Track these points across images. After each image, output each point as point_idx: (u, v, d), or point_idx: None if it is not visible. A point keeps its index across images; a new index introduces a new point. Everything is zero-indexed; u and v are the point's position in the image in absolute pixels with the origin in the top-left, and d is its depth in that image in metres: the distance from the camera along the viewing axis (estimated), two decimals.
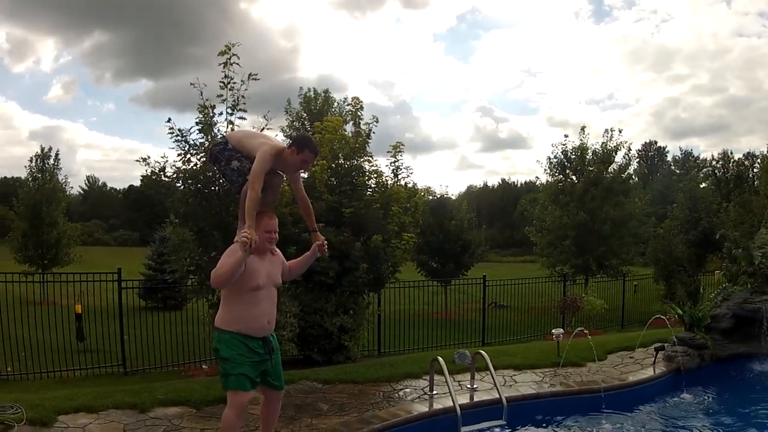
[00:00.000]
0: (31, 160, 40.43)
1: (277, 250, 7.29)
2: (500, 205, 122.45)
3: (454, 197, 47.15)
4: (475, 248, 39.72)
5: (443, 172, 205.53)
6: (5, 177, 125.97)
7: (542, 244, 38.21)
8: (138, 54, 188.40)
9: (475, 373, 10.75)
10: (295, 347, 15.20)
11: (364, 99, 18.89)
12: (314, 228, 7.69)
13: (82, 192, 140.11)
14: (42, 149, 41.14)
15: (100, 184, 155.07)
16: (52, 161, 40.99)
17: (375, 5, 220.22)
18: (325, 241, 7.39)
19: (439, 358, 9.52)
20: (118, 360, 17.63)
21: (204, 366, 17.37)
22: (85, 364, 17.37)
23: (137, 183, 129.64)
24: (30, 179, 40.54)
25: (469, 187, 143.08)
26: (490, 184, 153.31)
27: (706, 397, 11.60)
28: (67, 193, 47.29)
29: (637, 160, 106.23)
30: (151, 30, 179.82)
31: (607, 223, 34.95)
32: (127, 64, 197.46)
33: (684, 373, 11.98)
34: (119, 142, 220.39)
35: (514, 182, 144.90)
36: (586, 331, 12.93)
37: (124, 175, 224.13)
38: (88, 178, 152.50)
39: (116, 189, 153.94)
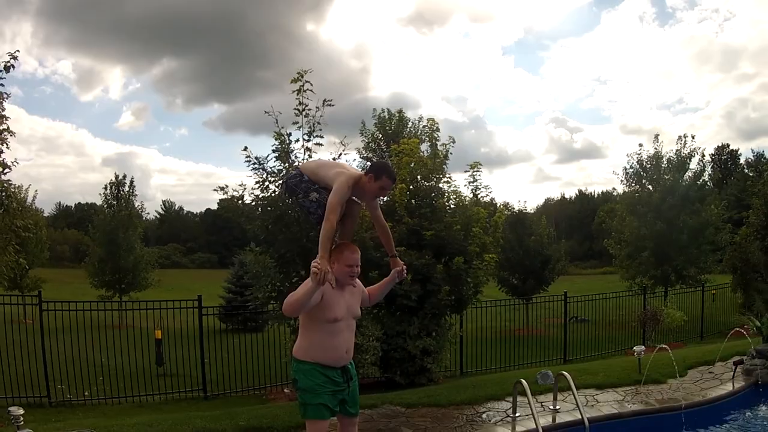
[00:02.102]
0: (105, 188, 41.39)
1: (357, 280, 7.16)
2: (578, 216, 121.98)
3: (531, 211, 47.28)
4: (555, 263, 39.82)
5: (520, 186, 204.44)
6: (80, 203, 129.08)
7: (621, 256, 38.16)
8: (208, 79, 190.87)
9: (558, 393, 10.80)
10: (377, 370, 15.22)
11: (438, 115, 19.20)
12: (393, 253, 7.61)
13: (158, 216, 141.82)
14: (116, 176, 42.00)
15: (176, 208, 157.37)
16: (127, 188, 41.81)
17: (442, 20, 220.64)
18: (405, 267, 7.48)
19: (523, 380, 9.39)
20: (198, 384, 17.91)
21: (286, 390, 17.51)
22: (165, 388, 17.73)
23: (214, 206, 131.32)
24: (105, 206, 41.42)
25: (547, 200, 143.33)
26: (567, 195, 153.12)
27: None
28: (144, 218, 48.08)
29: (711, 165, 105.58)
30: (219, 55, 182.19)
31: (684, 232, 34.87)
32: (197, 89, 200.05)
33: (762, 387, 11.99)
34: (194, 167, 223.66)
35: (591, 193, 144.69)
36: (667, 347, 12.99)
37: (200, 199, 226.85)
38: (164, 202, 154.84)
39: (193, 212, 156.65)
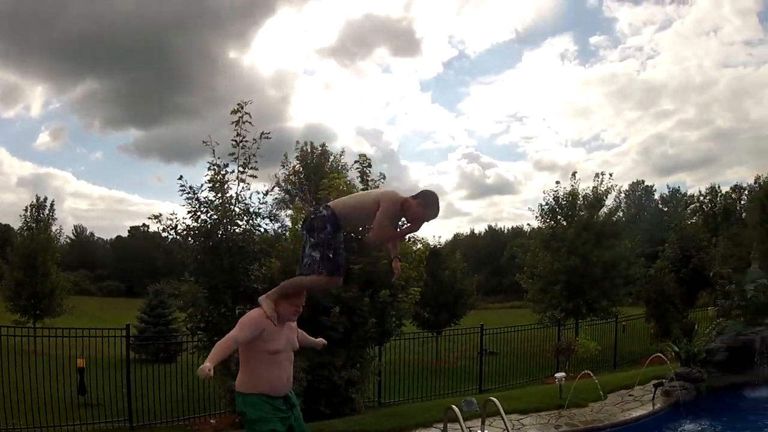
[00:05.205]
0: (26, 210, 40.94)
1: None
2: (487, 251, 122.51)
3: (441, 246, 47.61)
4: (467, 297, 40.21)
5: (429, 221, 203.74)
6: None
7: (533, 290, 38.57)
8: (128, 102, 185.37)
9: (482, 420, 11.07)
10: (302, 402, 15.26)
11: (352, 148, 19.22)
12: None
13: (68, 241, 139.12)
14: (37, 199, 41.62)
15: (87, 233, 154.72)
16: (47, 211, 41.47)
17: (364, 54, 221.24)
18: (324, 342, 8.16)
19: (454, 406, 9.62)
20: (124, 414, 17.60)
21: (212, 420, 17.53)
22: (91, 419, 17.43)
23: (124, 234, 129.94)
24: (25, 228, 40.99)
25: (456, 235, 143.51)
26: (476, 231, 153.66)
27: (705, 427, 12.16)
28: (59, 242, 47.63)
29: (625, 200, 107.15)
30: (141, 78, 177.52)
31: (598, 267, 35.47)
32: (116, 112, 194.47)
33: (683, 406, 12.49)
34: (107, 192, 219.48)
35: (501, 228, 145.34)
36: (590, 373, 13.45)
37: (111, 225, 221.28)
38: (75, 227, 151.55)
39: (103, 239, 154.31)
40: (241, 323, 7.00)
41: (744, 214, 78.37)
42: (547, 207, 38.85)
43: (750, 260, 26.68)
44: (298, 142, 45.17)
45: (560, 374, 13.80)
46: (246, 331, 6.87)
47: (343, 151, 46.88)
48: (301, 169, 42.26)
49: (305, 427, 7.56)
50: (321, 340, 8.25)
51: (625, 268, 36.56)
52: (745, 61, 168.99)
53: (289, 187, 42.55)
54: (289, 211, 16.93)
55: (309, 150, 43.80)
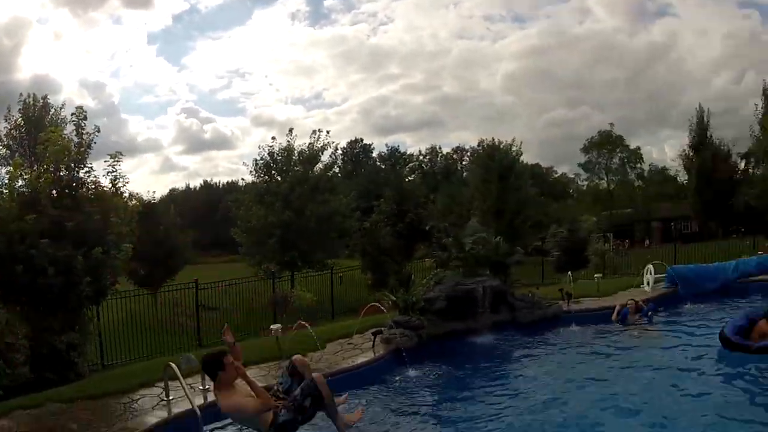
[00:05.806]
0: None
1: None
2: (203, 207, 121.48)
3: (155, 201, 47.24)
4: (182, 252, 40.08)
5: (145, 176, 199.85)
6: None
7: (248, 243, 39.09)
8: None
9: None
10: (29, 370, 14.67)
11: (75, 101, 18.68)
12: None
13: None
14: None
15: None
16: None
17: (98, 3, 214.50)
18: None
19: (172, 364, 9.80)
20: None
21: None
22: None
23: None
24: None
25: (172, 190, 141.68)
26: (192, 186, 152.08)
27: (427, 370, 12.89)
28: None
29: (342, 157, 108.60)
30: None
31: (312, 220, 36.09)
32: None
33: (405, 352, 13.05)
34: None
35: (216, 183, 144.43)
36: (305, 323, 13.73)
37: None
38: None
39: None
40: None
41: (465, 173, 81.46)
42: (261, 162, 39.39)
43: (470, 216, 27.73)
44: (21, 94, 43.62)
45: (276, 326, 14.12)
46: None
47: (64, 104, 45.77)
48: (23, 123, 40.93)
49: None
50: None
51: (339, 221, 37.49)
52: (483, 34, 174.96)
53: (10, 142, 41.15)
54: (9, 168, 16.48)
55: (32, 103, 42.46)
